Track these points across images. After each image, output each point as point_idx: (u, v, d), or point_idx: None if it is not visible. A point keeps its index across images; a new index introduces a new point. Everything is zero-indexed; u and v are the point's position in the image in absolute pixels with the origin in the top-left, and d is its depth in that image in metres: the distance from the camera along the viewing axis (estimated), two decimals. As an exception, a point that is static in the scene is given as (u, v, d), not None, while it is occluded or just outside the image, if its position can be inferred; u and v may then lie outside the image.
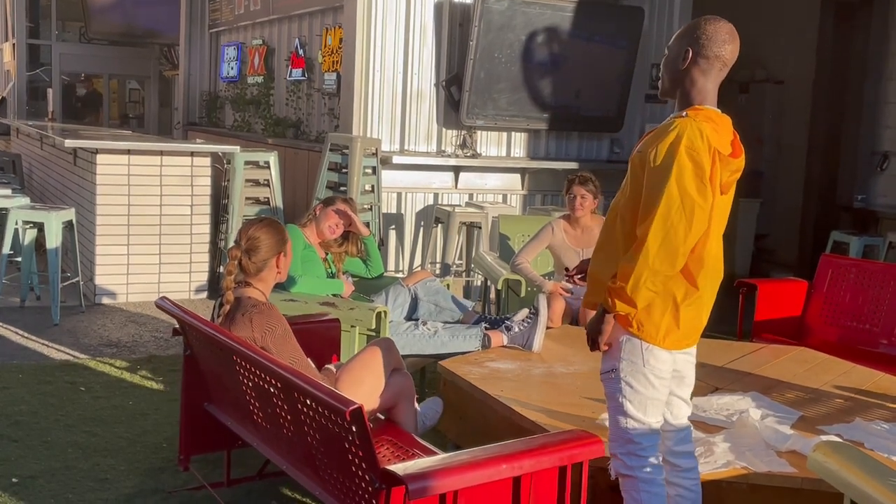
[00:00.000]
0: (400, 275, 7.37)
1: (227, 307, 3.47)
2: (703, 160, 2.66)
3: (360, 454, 2.56)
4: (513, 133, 8.58)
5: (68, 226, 6.79)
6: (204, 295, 7.56)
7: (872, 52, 9.08)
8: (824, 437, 3.36)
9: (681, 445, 2.95)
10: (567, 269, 5.59)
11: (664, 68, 2.87)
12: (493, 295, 6.29)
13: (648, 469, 2.81)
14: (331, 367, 3.75)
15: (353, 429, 2.52)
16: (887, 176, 8.93)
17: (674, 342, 2.79)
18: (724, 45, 2.77)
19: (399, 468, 2.44)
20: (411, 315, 5.02)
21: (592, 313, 5.58)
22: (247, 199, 7.85)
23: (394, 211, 8.14)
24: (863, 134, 9.20)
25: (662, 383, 2.81)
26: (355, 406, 2.46)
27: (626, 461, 2.83)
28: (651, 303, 2.74)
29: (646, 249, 2.65)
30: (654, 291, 2.70)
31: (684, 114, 2.75)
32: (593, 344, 2.84)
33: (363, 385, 3.53)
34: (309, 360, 3.53)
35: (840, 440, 3.30)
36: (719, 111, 2.80)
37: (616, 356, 2.81)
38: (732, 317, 5.73)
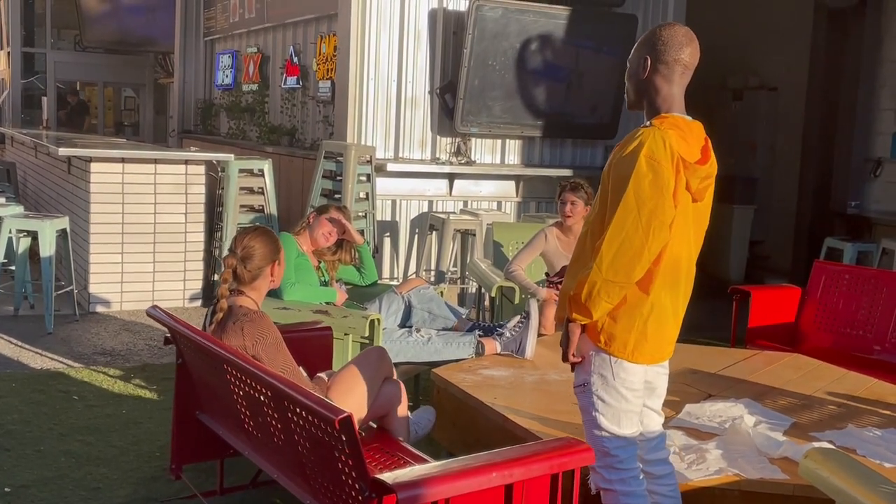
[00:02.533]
0: (394, 282, 7.36)
1: (220, 315, 3.47)
2: (664, 170, 2.62)
3: (350, 463, 2.55)
4: (507, 140, 8.60)
5: (62, 234, 6.79)
6: (198, 303, 7.55)
7: (865, 60, 9.11)
8: (816, 444, 3.36)
9: (653, 454, 2.93)
10: (548, 275, 5.63)
11: (628, 81, 2.85)
12: (487, 302, 6.29)
13: (628, 481, 2.79)
14: (322, 375, 3.75)
15: (343, 437, 2.51)
16: (881, 182, 8.95)
17: (644, 356, 2.76)
18: (682, 48, 2.74)
19: (389, 477, 2.43)
20: (405, 322, 5.02)
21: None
22: (241, 206, 7.85)
23: (388, 218, 8.15)
24: (856, 140, 9.22)
25: (635, 395, 2.79)
26: (344, 415, 2.45)
27: (605, 475, 2.81)
28: (617, 316, 2.72)
29: (600, 259, 2.64)
30: (610, 302, 2.67)
31: (648, 123, 2.73)
32: (564, 356, 2.82)
33: (354, 394, 3.52)
34: (301, 368, 3.53)
35: (832, 447, 3.30)
36: (687, 118, 2.77)
37: (587, 370, 2.79)
38: (726, 323, 5.73)
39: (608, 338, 2.73)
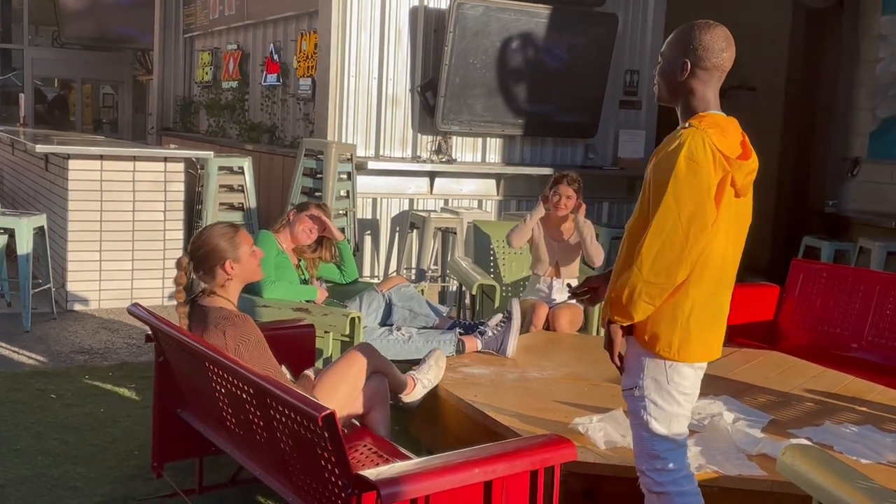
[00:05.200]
0: (375, 280, 7.36)
1: (186, 321, 3.42)
2: (703, 171, 2.61)
3: (333, 460, 2.55)
4: (488, 139, 8.60)
5: (39, 232, 6.73)
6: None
7: (843, 60, 9.18)
8: (794, 441, 3.38)
9: None
10: (570, 285, 5.65)
11: (660, 76, 2.82)
12: (467, 300, 6.29)
13: (679, 481, 2.77)
14: (308, 373, 3.73)
15: (326, 434, 2.50)
16: (858, 182, 9.03)
17: (691, 354, 2.72)
18: (722, 53, 2.73)
19: (371, 473, 2.44)
20: (385, 321, 5.01)
21: (569, 317, 5.53)
22: (221, 204, 7.82)
23: (369, 216, 8.14)
24: (834, 140, 9.30)
25: (687, 399, 2.77)
26: (327, 412, 2.45)
27: (655, 478, 2.77)
28: (660, 315, 2.70)
29: (640, 261, 2.64)
30: (651, 304, 2.66)
31: (688, 124, 2.71)
32: (611, 358, 2.82)
33: (339, 391, 3.51)
34: (284, 367, 3.52)
35: (810, 443, 3.32)
36: (724, 114, 2.76)
37: (638, 373, 2.76)
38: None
39: (653, 338, 2.71)
